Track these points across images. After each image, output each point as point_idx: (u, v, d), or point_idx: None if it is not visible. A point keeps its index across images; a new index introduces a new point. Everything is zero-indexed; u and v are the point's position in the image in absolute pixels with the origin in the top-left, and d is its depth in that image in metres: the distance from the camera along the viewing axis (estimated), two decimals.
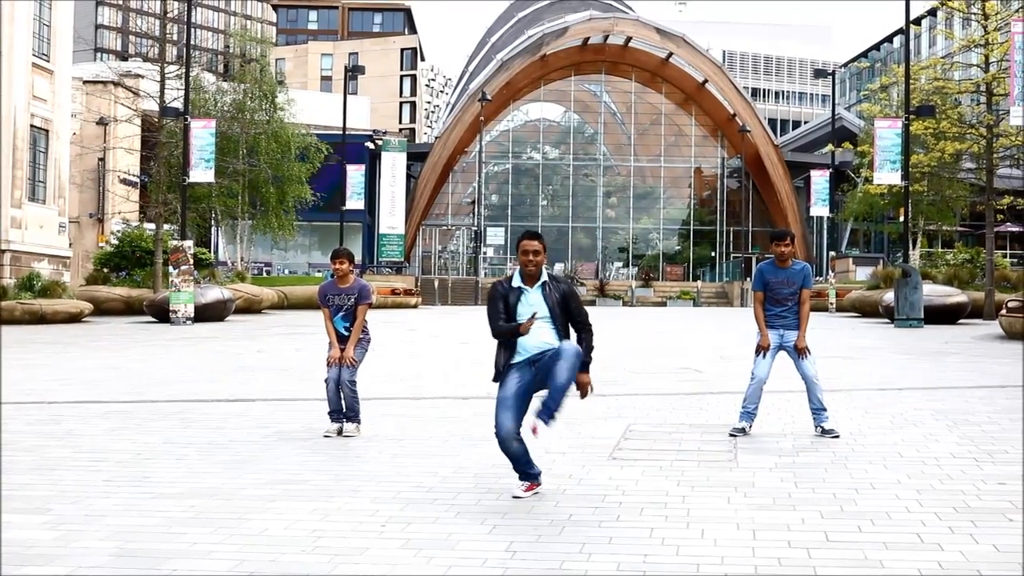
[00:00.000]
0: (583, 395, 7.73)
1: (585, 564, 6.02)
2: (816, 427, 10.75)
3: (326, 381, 11.00)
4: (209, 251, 52.30)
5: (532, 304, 7.74)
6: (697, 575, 5.83)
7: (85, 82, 59.29)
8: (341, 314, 11.04)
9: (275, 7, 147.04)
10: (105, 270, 44.10)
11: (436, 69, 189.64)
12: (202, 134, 37.37)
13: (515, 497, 7.61)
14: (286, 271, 73.42)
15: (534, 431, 7.41)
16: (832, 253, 58.87)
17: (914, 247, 53.08)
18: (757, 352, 10.73)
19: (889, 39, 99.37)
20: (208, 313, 36.23)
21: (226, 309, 37.60)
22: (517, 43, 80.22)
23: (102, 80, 58.71)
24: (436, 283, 67.17)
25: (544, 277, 7.82)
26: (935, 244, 66.39)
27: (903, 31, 37.50)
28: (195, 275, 37.21)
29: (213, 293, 37.58)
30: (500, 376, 7.76)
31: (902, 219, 37.04)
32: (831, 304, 46.93)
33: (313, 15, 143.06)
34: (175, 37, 51.96)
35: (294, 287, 49.84)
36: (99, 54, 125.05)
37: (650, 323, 38.16)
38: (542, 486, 7.91)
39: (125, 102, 54.68)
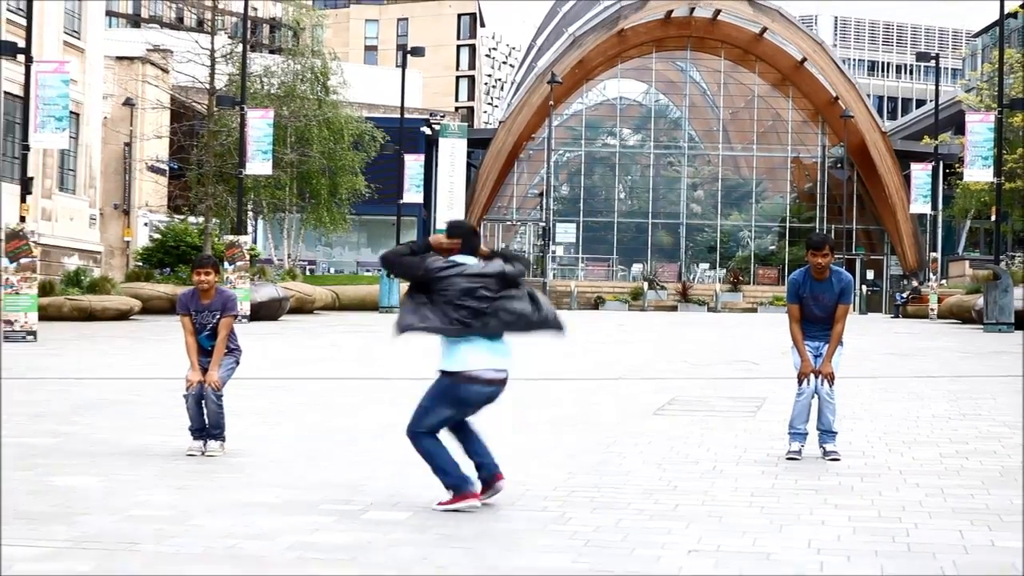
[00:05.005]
0: None
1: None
2: (820, 447, 11.34)
3: (185, 397, 11.40)
4: (255, 247, 56.79)
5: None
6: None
7: (118, 58, 62.50)
8: (206, 333, 11.40)
9: None
10: (147, 266, 47.74)
11: (498, 37, 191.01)
12: (259, 124, 41.88)
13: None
14: (331, 269, 77.33)
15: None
16: (934, 254, 61.75)
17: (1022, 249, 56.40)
18: (800, 382, 11.24)
19: None
20: (262, 312, 39.75)
21: (280, 308, 41.70)
22: (590, 16, 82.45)
23: (128, 57, 62.20)
24: None
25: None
26: None
27: None
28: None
29: (267, 291, 41.51)
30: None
31: (994, 219, 40.78)
32: (932, 310, 50.21)
33: None
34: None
35: (346, 287, 54.18)
36: (109, 19, 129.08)
37: (730, 331, 38.89)
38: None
39: (154, 81, 59.07)
